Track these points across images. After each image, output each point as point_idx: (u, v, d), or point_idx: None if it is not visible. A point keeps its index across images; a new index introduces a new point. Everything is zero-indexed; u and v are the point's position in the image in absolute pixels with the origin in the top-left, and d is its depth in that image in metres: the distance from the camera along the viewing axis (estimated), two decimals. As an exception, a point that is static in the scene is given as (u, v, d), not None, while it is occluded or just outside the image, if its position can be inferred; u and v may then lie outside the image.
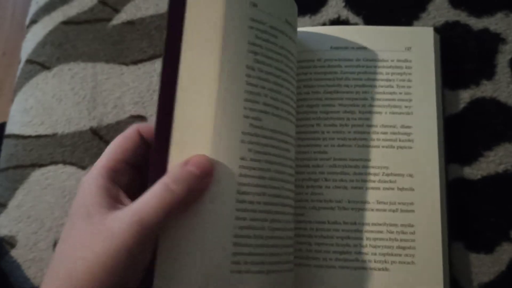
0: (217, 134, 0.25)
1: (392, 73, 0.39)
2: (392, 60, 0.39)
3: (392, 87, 0.38)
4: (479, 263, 0.38)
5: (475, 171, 0.39)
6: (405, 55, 0.39)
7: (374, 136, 0.37)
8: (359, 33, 0.40)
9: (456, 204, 0.37)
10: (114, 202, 0.27)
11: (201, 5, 0.23)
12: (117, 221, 0.25)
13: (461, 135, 0.39)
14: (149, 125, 0.30)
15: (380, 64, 0.39)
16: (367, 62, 0.39)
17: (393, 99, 0.38)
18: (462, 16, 0.41)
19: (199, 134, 0.25)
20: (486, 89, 0.40)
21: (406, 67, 0.39)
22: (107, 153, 0.30)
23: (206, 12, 0.22)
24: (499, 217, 0.38)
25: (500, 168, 0.38)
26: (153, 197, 0.25)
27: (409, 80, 0.38)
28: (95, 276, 0.24)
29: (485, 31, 0.41)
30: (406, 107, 0.38)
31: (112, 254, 0.24)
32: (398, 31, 0.40)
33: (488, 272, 0.37)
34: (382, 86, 0.38)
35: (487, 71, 0.40)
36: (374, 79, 0.38)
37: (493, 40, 0.40)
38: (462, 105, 0.40)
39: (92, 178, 0.28)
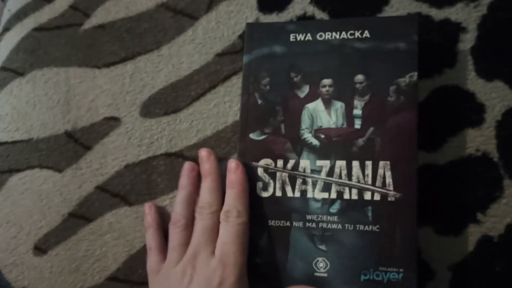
0: None
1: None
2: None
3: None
4: (448, 245, 0.39)
5: (441, 156, 0.40)
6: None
7: None
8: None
9: (424, 190, 0.38)
10: None
11: None
12: None
13: (426, 122, 0.40)
14: None
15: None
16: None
17: None
18: (423, 8, 0.42)
19: None
20: (448, 77, 0.41)
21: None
22: None
23: None
24: (466, 200, 0.39)
25: (465, 153, 0.40)
26: None
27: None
28: None
29: (446, 21, 0.42)
30: None
31: None
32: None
33: (457, 254, 0.39)
34: None
35: (449, 60, 0.41)
36: None
37: (454, 30, 0.42)
38: (426, 93, 0.41)
39: None
